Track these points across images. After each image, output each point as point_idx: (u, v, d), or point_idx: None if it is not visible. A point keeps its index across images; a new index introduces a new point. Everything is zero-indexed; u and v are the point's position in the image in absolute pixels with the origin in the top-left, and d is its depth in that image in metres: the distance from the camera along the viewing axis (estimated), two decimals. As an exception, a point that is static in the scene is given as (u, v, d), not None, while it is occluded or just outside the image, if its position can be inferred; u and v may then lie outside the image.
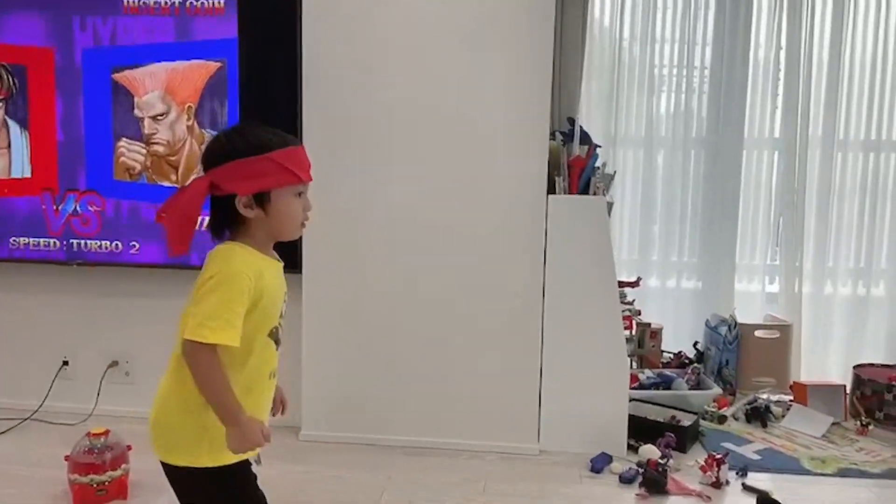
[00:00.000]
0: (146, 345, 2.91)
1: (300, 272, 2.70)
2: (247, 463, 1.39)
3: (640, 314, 3.33)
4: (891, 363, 3.31)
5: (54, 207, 2.86)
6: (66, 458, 2.22)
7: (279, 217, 1.34)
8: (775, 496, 2.25)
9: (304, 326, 2.74)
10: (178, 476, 1.36)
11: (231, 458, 1.33)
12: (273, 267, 1.39)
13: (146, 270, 2.87)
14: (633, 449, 2.62)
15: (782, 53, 3.52)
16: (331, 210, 2.58)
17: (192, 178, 1.33)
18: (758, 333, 3.37)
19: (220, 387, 1.26)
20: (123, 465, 2.25)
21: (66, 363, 3.02)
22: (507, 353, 2.68)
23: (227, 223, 1.35)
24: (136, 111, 2.78)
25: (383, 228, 2.69)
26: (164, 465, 1.37)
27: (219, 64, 2.72)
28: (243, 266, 1.29)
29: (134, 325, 2.97)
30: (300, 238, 2.51)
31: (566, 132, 2.92)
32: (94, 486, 2.18)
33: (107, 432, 2.25)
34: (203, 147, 1.33)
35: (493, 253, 2.67)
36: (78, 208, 2.84)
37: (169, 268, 2.80)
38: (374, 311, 2.73)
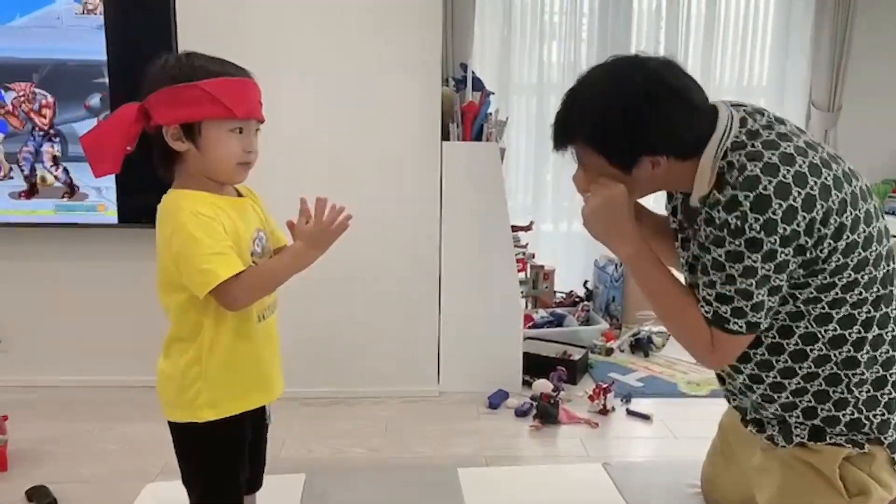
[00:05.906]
0: (21, 310, 2.72)
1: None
2: (242, 423, 1.34)
3: (533, 257, 3.46)
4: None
5: None
6: (-65, 431, 2.06)
7: (209, 153, 1.23)
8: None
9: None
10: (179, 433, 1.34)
11: (231, 411, 1.30)
12: (230, 203, 1.30)
13: (13, 230, 2.65)
14: (527, 384, 2.75)
15: (664, 3, 3.67)
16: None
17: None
18: (642, 271, 3.58)
19: (267, 275, 1.28)
20: (0, 436, 2.12)
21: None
22: (405, 300, 2.71)
23: (162, 160, 1.26)
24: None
25: (278, 173, 2.61)
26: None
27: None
28: (191, 205, 1.21)
29: (5, 290, 2.75)
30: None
31: (459, 79, 2.92)
32: (-31, 458, 2.05)
33: (-21, 402, 2.11)
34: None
35: (389, 200, 2.66)
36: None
37: (37, 227, 2.60)
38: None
